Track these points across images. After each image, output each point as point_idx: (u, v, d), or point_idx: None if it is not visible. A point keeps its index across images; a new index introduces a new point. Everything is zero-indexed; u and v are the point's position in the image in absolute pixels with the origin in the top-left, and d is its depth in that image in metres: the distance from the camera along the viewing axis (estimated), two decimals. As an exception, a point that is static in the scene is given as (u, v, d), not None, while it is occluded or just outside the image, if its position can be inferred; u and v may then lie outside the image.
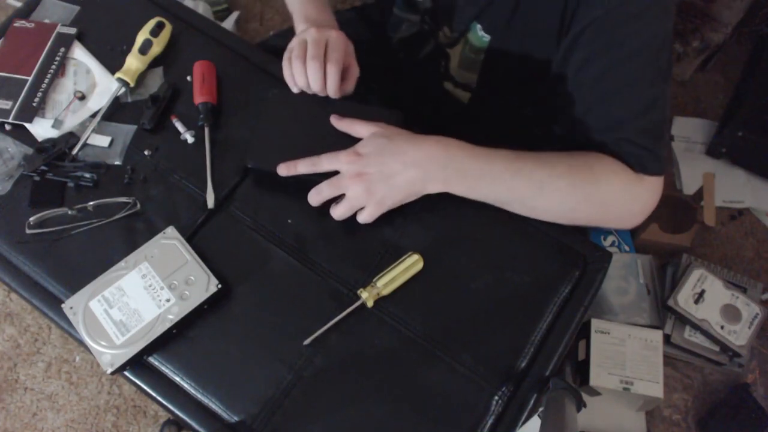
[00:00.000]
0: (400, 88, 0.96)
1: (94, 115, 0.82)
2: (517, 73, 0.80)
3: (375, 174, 0.70)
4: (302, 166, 0.73)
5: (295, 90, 0.78)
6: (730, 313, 1.32)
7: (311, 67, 0.72)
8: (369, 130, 0.73)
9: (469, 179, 0.70)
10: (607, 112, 0.72)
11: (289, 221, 0.77)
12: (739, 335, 1.30)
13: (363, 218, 0.72)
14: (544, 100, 0.82)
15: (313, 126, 0.77)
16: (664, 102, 0.72)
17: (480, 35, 0.79)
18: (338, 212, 0.72)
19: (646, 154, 0.72)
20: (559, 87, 0.75)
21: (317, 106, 0.78)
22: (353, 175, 0.70)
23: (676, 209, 1.48)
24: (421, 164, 0.69)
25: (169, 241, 0.72)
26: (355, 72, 0.78)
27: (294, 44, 0.76)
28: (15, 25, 0.87)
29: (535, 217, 0.75)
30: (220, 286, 0.70)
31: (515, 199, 0.72)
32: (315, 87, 0.75)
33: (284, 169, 0.73)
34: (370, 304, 0.71)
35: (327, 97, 0.77)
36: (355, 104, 0.77)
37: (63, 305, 0.69)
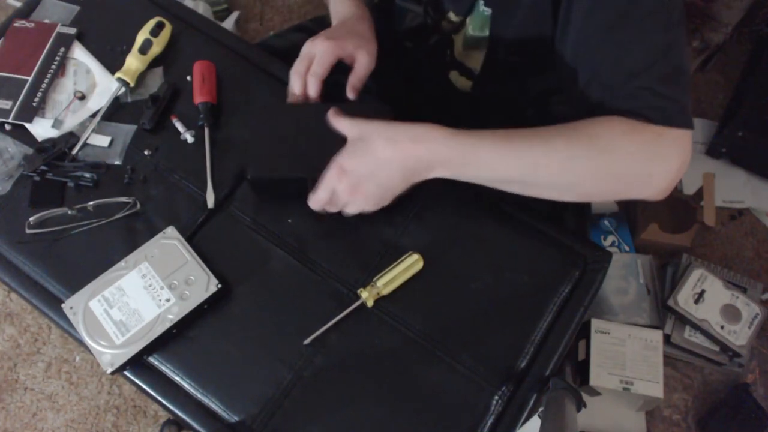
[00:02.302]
0: (404, 80, 0.96)
1: (94, 115, 0.82)
2: (522, 43, 0.78)
3: (366, 186, 0.69)
4: (314, 205, 0.72)
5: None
6: (730, 313, 1.32)
7: (291, 81, 0.79)
8: (348, 128, 0.72)
9: (453, 168, 0.68)
10: (620, 61, 0.65)
11: (289, 221, 0.77)
12: (739, 335, 1.30)
13: (367, 211, 0.73)
14: (545, 71, 0.80)
15: (306, 129, 0.76)
16: (683, 48, 0.65)
17: (482, 11, 0.79)
18: (348, 213, 0.73)
19: (671, 105, 0.63)
20: (566, 47, 0.70)
21: (307, 109, 0.77)
22: (348, 191, 0.69)
23: (676, 209, 1.48)
24: (404, 163, 0.68)
25: (169, 241, 0.72)
26: (358, 71, 0.79)
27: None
28: (15, 25, 0.87)
29: (540, 196, 0.69)
30: (220, 286, 0.70)
31: (509, 181, 0.69)
32: (297, 98, 0.79)
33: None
34: (370, 303, 0.71)
35: (316, 101, 0.77)
36: (345, 104, 0.77)
37: (63, 305, 0.69)
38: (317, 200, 0.71)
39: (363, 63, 0.78)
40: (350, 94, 0.79)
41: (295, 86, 0.78)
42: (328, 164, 0.70)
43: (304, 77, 0.78)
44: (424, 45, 0.91)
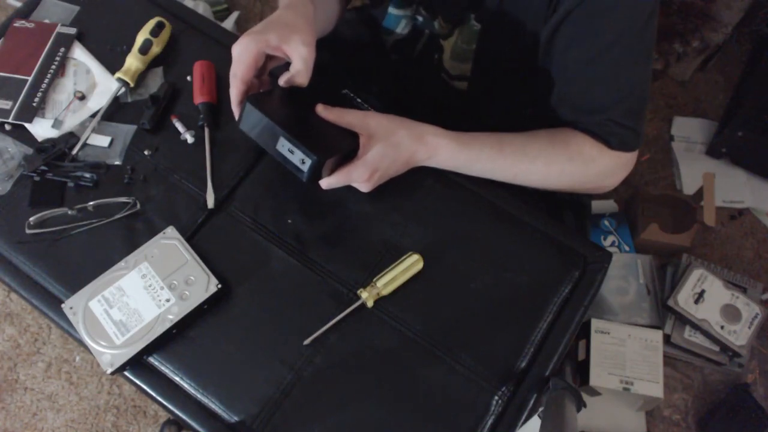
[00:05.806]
0: (398, 88, 0.96)
1: (94, 115, 0.82)
2: (509, 59, 0.81)
3: (380, 175, 0.74)
4: (326, 185, 0.74)
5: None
6: (730, 313, 1.32)
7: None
8: (360, 120, 0.73)
9: (449, 168, 0.79)
10: (593, 95, 0.75)
11: (289, 221, 0.77)
12: (739, 335, 1.30)
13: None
14: (533, 84, 0.83)
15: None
16: (647, 79, 0.75)
17: (471, 24, 0.80)
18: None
19: (630, 134, 0.75)
20: (544, 67, 0.77)
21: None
22: (366, 184, 0.74)
23: (676, 209, 1.48)
24: (410, 164, 0.77)
25: (169, 241, 0.72)
26: (296, 71, 0.72)
27: None
28: (15, 25, 0.87)
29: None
30: (220, 286, 0.70)
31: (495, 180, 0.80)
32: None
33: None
34: (370, 304, 0.71)
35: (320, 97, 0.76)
36: (347, 107, 0.76)
37: (63, 305, 0.69)
38: (331, 185, 0.73)
39: (295, 55, 0.70)
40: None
41: (230, 90, 0.72)
42: (336, 154, 0.71)
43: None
44: (413, 52, 0.91)
